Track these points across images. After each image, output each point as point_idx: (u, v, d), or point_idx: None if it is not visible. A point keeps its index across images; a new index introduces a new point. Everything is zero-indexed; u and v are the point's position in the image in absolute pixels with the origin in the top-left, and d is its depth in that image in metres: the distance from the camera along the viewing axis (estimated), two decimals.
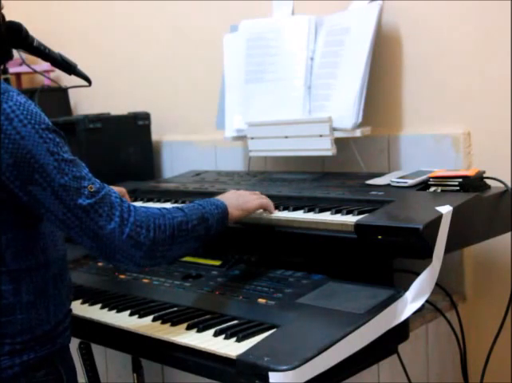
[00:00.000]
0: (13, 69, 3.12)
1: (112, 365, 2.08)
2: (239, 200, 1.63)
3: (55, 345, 1.44)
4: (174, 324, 1.53)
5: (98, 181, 1.38)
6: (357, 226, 1.50)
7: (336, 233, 1.56)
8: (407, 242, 1.43)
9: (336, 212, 1.62)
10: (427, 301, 1.51)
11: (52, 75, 2.90)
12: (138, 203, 2.06)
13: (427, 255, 1.45)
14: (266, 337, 1.38)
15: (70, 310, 1.53)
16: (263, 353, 1.29)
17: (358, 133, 1.98)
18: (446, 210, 1.46)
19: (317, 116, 2.04)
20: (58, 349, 1.45)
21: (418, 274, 1.47)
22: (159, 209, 1.45)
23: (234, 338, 1.40)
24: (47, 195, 1.31)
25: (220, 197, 1.62)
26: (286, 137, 2.08)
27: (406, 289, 1.47)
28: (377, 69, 2.05)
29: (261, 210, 1.70)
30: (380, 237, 1.46)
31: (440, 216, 1.44)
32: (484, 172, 1.74)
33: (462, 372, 1.88)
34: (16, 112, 1.28)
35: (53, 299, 1.44)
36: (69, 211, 1.32)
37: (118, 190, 1.95)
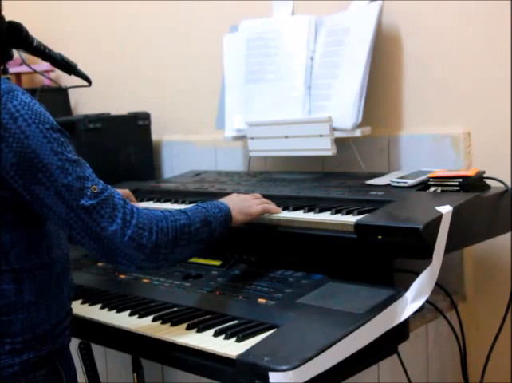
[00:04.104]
0: (13, 69, 3.11)
1: (112, 365, 2.08)
2: (243, 204, 1.62)
3: (55, 344, 1.44)
4: (174, 324, 1.53)
5: (102, 182, 1.37)
6: (357, 226, 1.50)
7: (336, 233, 1.56)
8: (407, 242, 1.42)
9: (336, 212, 1.62)
10: (427, 301, 1.51)
11: (52, 75, 2.91)
12: (137, 203, 2.05)
13: (427, 255, 1.45)
14: (266, 337, 1.38)
15: (71, 310, 1.53)
16: (263, 353, 1.29)
17: (358, 133, 1.98)
18: (446, 210, 1.46)
19: (317, 116, 2.04)
20: (58, 348, 1.45)
21: (418, 274, 1.47)
22: (162, 211, 1.44)
23: (234, 338, 1.40)
24: (50, 194, 1.31)
25: (223, 200, 1.61)
26: (286, 137, 2.08)
27: (406, 289, 1.47)
28: (377, 69, 2.05)
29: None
30: (380, 237, 1.46)
31: (440, 216, 1.44)
32: (484, 172, 1.74)
33: (462, 372, 1.88)
34: (20, 112, 1.28)
35: (54, 298, 1.44)
36: (72, 211, 1.32)
37: (122, 192, 1.94)
